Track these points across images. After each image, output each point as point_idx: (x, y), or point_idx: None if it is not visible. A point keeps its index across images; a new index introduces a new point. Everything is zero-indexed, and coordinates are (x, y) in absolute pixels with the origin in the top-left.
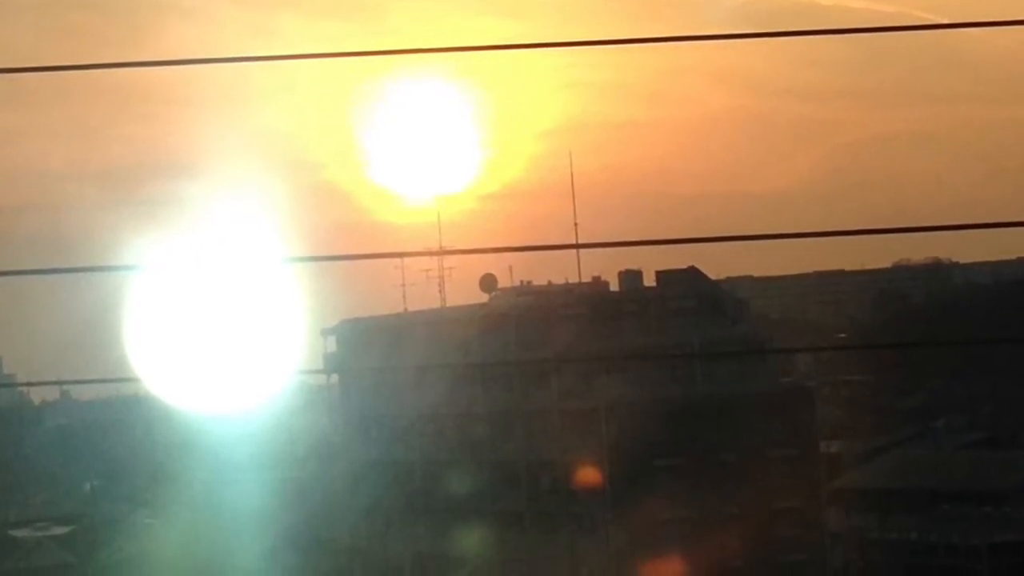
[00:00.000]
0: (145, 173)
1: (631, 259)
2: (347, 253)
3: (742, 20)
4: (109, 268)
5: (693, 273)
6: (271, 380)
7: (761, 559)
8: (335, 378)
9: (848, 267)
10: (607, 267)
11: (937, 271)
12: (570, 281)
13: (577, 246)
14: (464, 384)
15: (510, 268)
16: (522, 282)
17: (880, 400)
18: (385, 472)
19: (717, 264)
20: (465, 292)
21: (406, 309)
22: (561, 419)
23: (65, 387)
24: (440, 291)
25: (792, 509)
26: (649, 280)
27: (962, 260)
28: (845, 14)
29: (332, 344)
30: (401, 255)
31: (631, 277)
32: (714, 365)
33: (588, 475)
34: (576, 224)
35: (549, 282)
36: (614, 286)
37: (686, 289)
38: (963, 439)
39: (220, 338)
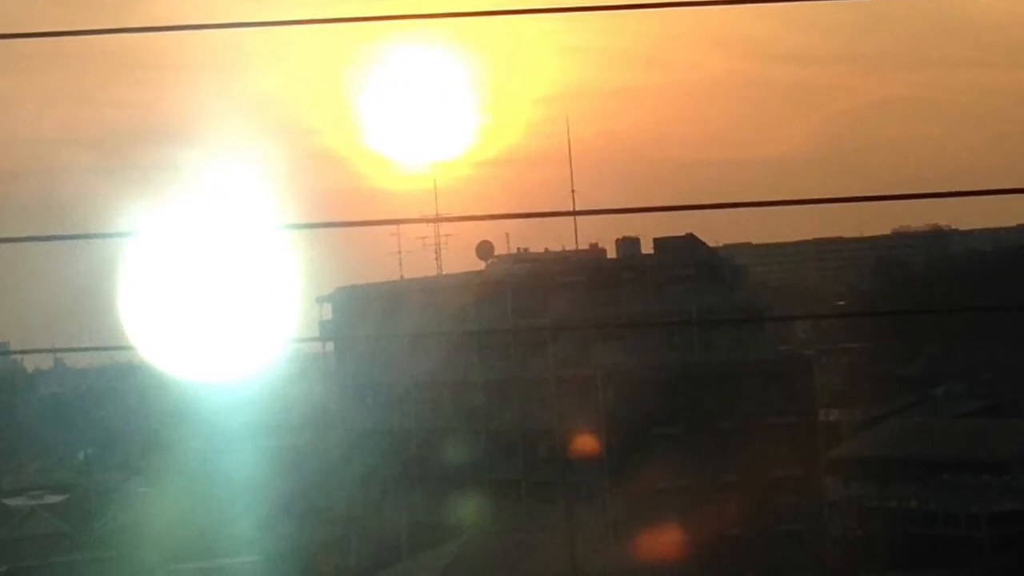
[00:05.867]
0: (139, 139)
1: (629, 226)
2: (342, 220)
3: None
4: (103, 235)
5: (691, 240)
6: (266, 348)
7: (759, 528)
8: (331, 346)
9: (847, 234)
10: (604, 234)
11: (937, 238)
12: (567, 248)
13: (574, 213)
14: (460, 352)
15: (507, 235)
16: (519, 249)
17: (879, 368)
18: (381, 440)
19: (715, 231)
20: (461, 259)
21: (402, 276)
22: (558, 387)
23: (59, 355)
24: (436, 258)
25: (790, 478)
26: (647, 247)
27: (962, 227)
28: None
29: (328, 312)
30: (397, 222)
31: (628, 244)
32: (712, 333)
33: (585, 444)
34: (573, 191)
35: (546, 249)
36: (611, 253)
37: (684, 256)
38: (963, 407)
39: (215, 305)
